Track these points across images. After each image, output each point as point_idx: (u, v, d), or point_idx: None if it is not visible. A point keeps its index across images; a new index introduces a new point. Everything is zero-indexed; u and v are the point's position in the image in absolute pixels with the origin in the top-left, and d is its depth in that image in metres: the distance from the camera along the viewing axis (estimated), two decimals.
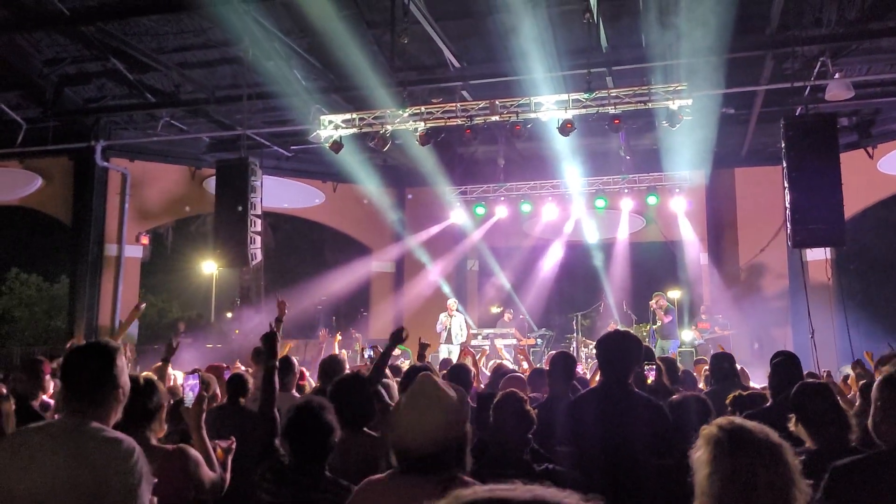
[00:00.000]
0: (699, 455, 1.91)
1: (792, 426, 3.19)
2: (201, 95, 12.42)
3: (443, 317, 14.03)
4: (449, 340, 13.66)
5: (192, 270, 22.93)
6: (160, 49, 11.05)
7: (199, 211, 16.89)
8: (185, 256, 22.50)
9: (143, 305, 7.61)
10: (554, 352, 5.77)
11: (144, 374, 3.64)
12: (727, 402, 4.61)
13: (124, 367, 2.46)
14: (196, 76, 11.96)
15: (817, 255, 13.80)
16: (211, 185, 13.54)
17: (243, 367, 7.27)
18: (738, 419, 1.96)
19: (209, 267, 20.46)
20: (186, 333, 15.63)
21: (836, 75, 10.62)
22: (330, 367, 5.05)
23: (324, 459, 3.03)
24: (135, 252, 14.89)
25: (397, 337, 4.67)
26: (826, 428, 3.12)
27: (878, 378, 2.75)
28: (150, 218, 15.38)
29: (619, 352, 3.83)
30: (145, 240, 15.18)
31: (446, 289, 16.49)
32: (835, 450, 2.96)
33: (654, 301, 13.38)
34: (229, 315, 20.53)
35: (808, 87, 10.96)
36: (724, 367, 5.88)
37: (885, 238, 14.72)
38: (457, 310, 14.13)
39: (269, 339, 3.82)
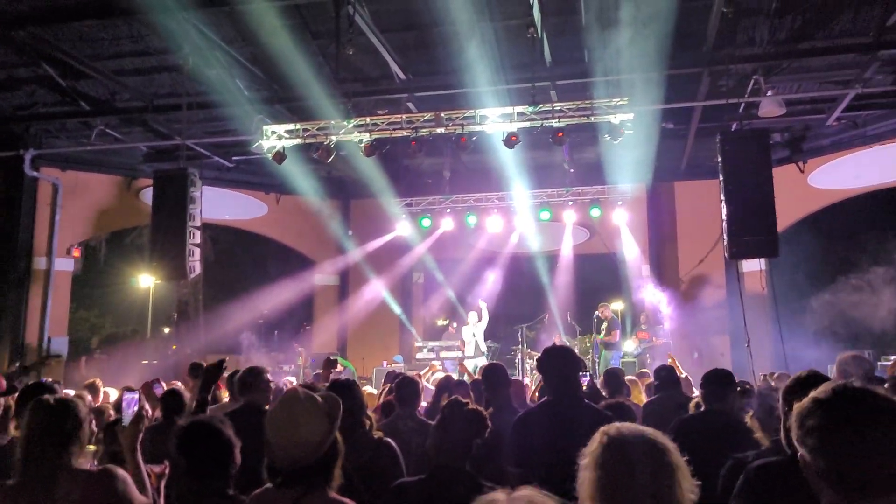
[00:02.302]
0: (584, 462, 1.93)
1: (748, 419, 3.27)
2: (138, 104, 12.09)
3: (465, 329, 13.83)
4: (478, 352, 13.45)
5: (128, 284, 22.20)
6: (95, 56, 10.70)
7: (135, 223, 16.42)
8: (120, 270, 21.80)
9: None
10: (483, 365, 5.81)
11: (62, 392, 3.46)
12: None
13: None
14: (133, 84, 11.62)
15: (753, 267, 14.23)
16: (147, 196, 13.18)
17: (179, 384, 7.05)
18: (620, 425, 1.98)
19: (145, 280, 19.85)
20: (104, 350, 15.11)
21: (769, 93, 10.98)
22: (251, 379, 4.87)
23: (222, 477, 2.87)
24: (65, 265, 14.34)
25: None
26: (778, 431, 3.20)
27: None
28: (82, 230, 14.86)
29: (568, 365, 3.84)
30: (77, 252, 14.66)
31: (391, 302, 16.40)
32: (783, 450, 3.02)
33: (599, 311, 13.54)
34: (167, 330, 19.99)
35: (743, 104, 11.32)
36: (661, 376, 6.00)
37: (816, 249, 15.28)
38: (478, 321, 13.79)
39: (210, 372, 3.72)
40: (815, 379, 2.66)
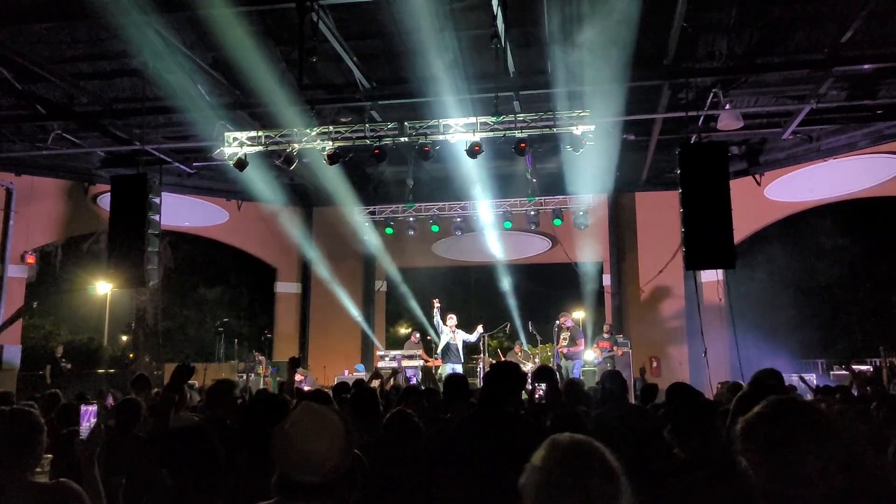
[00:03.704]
0: (529, 466, 1.93)
1: (666, 434, 3.32)
2: (97, 108, 11.86)
3: (445, 330, 13.63)
4: (456, 359, 13.38)
5: (84, 291, 21.77)
6: (52, 58, 10.48)
7: (92, 229, 16.10)
8: (77, 277, 21.34)
9: (34, 304, 6.76)
10: (448, 374, 5.85)
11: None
12: None
13: None
14: (91, 88, 11.41)
15: (710, 277, 14.48)
16: (105, 201, 12.94)
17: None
18: (570, 435, 1.99)
19: (103, 288, 19.48)
20: (69, 358, 14.72)
21: (727, 106, 11.21)
22: (220, 393, 4.79)
23: (210, 485, 2.82)
24: (19, 272, 14.02)
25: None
26: (692, 441, 3.25)
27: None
28: (37, 236, 14.52)
29: (500, 380, 3.96)
30: (31, 259, 14.31)
31: (353, 310, 16.31)
32: (699, 462, 3.07)
33: (560, 320, 13.60)
34: (124, 338, 19.61)
35: (702, 117, 11.54)
36: (605, 388, 5.72)
37: (772, 260, 15.59)
38: (456, 326, 13.67)
39: (179, 372, 3.65)
40: (762, 394, 2.73)
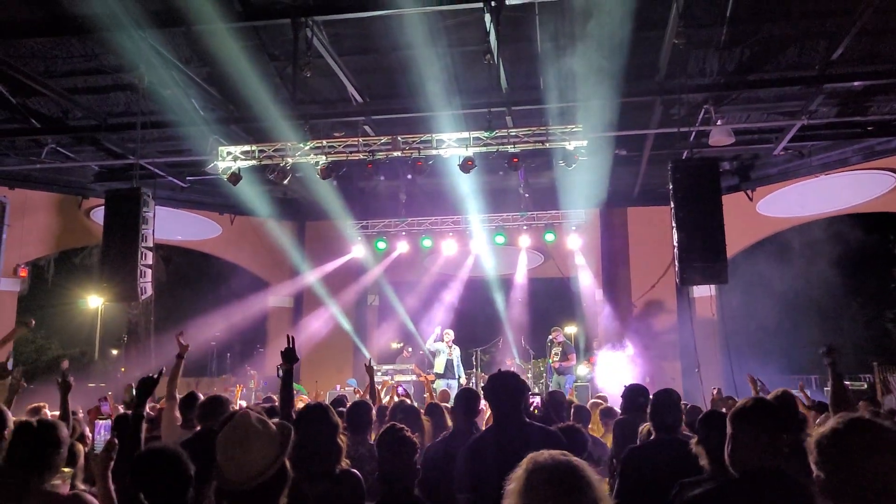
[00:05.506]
0: (509, 487, 1.98)
1: (693, 446, 3.33)
2: (91, 122, 11.87)
3: (442, 346, 13.66)
4: (451, 374, 13.33)
5: (76, 305, 21.69)
6: (48, 73, 10.51)
7: (85, 242, 16.07)
8: (68, 290, 21.29)
9: (32, 322, 6.96)
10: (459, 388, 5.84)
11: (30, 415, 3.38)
12: None
13: None
14: (86, 102, 11.43)
15: (703, 292, 14.50)
16: (98, 215, 12.92)
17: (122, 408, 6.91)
18: (550, 452, 2.03)
19: (94, 301, 19.40)
20: (69, 372, 14.64)
21: (719, 122, 11.28)
22: (211, 408, 4.77)
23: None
24: (12, 286, 13.98)
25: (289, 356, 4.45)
26: (722, 455, 3.27)
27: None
28: (30, 249, 14.49)
29: (507, 389, 3.91)
30: (24, 272, 14.28)
31: (346, 324, 16.28)
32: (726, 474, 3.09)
33: (552, 335, 13.62)
34: (115, 352, 19.54)
35: (694, 133, 11.60)
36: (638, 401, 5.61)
37: (764, 276, 15.64)
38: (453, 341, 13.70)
39: (144, 385, 3.62)
40: (760, 406, 2.76)
